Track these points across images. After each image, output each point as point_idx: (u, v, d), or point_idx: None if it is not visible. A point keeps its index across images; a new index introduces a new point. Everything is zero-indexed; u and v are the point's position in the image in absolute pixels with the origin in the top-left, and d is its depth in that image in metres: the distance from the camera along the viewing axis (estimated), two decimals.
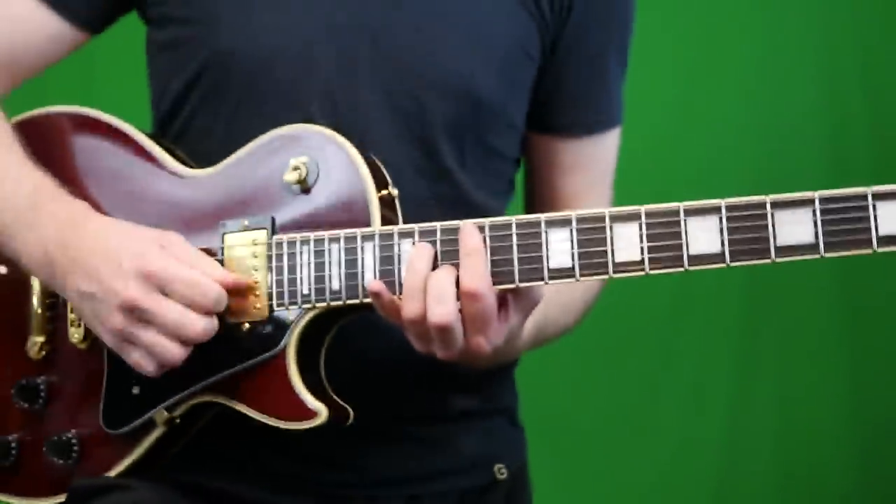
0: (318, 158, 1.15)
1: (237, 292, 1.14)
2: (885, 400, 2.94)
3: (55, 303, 1.22)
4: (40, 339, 1.22)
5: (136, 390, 1.17)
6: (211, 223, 1.17)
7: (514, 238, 1.08)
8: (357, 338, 1.22)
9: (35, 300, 1.23)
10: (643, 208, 1.05)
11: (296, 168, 1.14)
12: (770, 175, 2.88)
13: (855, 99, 2.95)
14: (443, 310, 1.05)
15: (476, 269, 1.05)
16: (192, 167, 1.22)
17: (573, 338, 2.85)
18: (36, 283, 1.23)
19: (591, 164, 1.38)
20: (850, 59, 2.96)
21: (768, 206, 1.02)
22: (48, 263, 1.15)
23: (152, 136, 1.25)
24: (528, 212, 1.39)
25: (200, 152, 1.24)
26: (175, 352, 1.10)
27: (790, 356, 2.95)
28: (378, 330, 1.22)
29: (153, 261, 1.09)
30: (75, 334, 1.20)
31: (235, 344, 1.14)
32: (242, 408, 1.14)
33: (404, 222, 1.14)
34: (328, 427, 1.13)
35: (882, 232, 0.99)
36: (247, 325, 1.14)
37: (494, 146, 1.30)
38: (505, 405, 1.40)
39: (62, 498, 1.20)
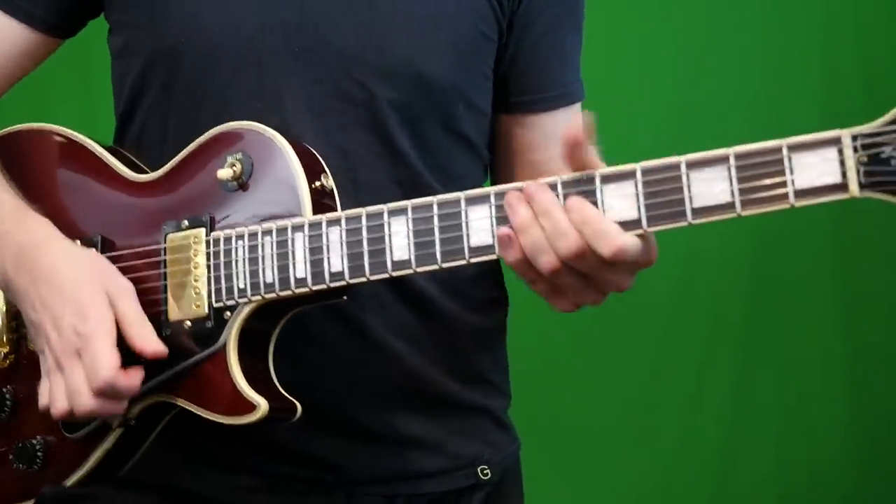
0: (252, 154, 1.15)
1: (179, 291, 1.15)
2: (884, 400, 2.96)
3: (18, 313, 1.25)
4: (3, 349, 1.25)
5: None
6: (154, 225, 1.19)
7: (436, 219, 1.07)
8: (336, 337, 1.23)
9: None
10: (558, 178, 1.03)
11: (231, 165, 1.16)
12: None
13: (855, 98, 2.93)
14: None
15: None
16: (145, 171, 1.24)
17: (573, 337, 2.91)
18: (0, 297, 1.26)
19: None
20: (851, 59, 2.96)
21: (683, 166, 0.98)
22: (5, 284, 1.20)
23: (105, 145, 1.28)
24: None
25: (157, 155, 1.25)
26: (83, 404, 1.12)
27: (790, 356, 2.96)
28: (358, 330, 1.23)
29: (88, 325, 1.12)
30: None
31: (179, 343, 1.15)
32: (188, 405, 1.15)
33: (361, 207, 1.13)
34: (270, 421, 1.12)
35: (798, 185, 0.95)
36: (188, 324, 1.15)
37: (458, 130, 1.28)
38: (489, 406, 1.36)
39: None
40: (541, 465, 2.77)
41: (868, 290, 3.00)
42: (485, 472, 1.30)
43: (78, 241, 1.21)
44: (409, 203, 1.08)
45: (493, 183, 1.36)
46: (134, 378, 1.12)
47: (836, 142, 0.94)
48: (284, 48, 1.22)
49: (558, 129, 1.31)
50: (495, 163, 1.37)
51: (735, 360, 2.98)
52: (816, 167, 0.94)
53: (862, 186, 0.93)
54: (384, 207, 1.09)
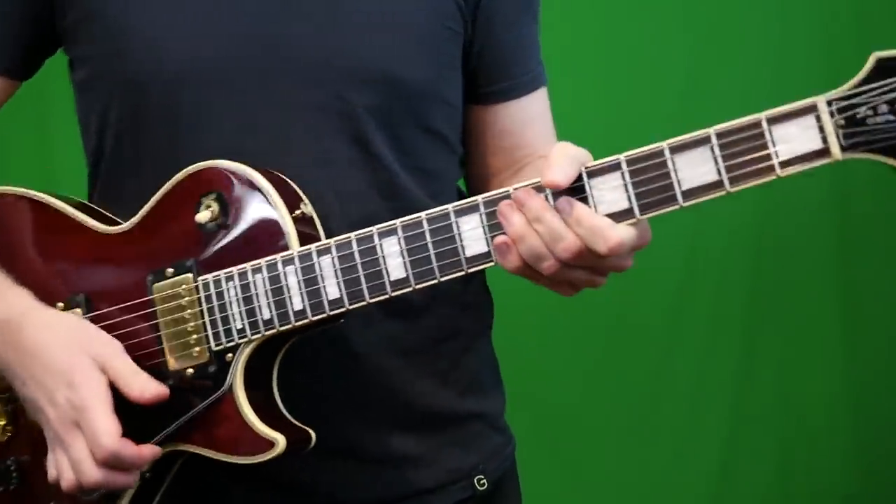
0: (227, 191, 1.14)
1: (175, 340, 1.15)
2: (886, 400, 2.95)
3: (10, 385, 1.22)
4: (1, 422, 1.23)
5: None
6: (137, 276, 1.17)
7: (428, 235, 1.07)
8: (321, 358, 1.22)
9: None
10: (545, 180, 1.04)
11: (207, 207, 1.14)
12: None
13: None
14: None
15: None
16: (117, 223, 1.22)
17: (573, 337, 2.90)
18: None
19: (534, 122, 1.37)
20: (853, 60, 2.87)
21: (667, 152, 1.00)
22: None
23: (70, 200, 1.25)
24: (469, 187, 1.38)
25: (135, 187, 1.22)
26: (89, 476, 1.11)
27: (792, 357, 2.95)
28: (343, 349, 1.23)
29: (80, 395, 1.11)
30: None
31: (184, 390, 1.15)
32: (205, 451, 1.15)
33: (347, 217, 1.16)
34: (287, 455, 1.13)
35: (782, 156, 0.97)
36: (190, 371, 1.15)
37: (433, 127, 1.28)
38: (484, 410, 1.35)
39: None
40: (541, 464, 2.75)
41: (870, 290, 2.98)
42: (481, 481, 1.31)
43: (60, 305, 1.20)
44: (397, 222, 1.08)
45: (468, 176, 1.37)
46: (138, 449, 1.11)
47: (812, 109, 0.96)
48: (253, 67, 1.20)
49: (528, 114, 1.35)
50: (469, 155, 1.37)
51: (736, 361, 2.96)
52: (797, 136, 0.97)
53: (843, 149, 0.96)
54: (373, 230, 1.09)
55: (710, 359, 2.92)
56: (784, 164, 0.97)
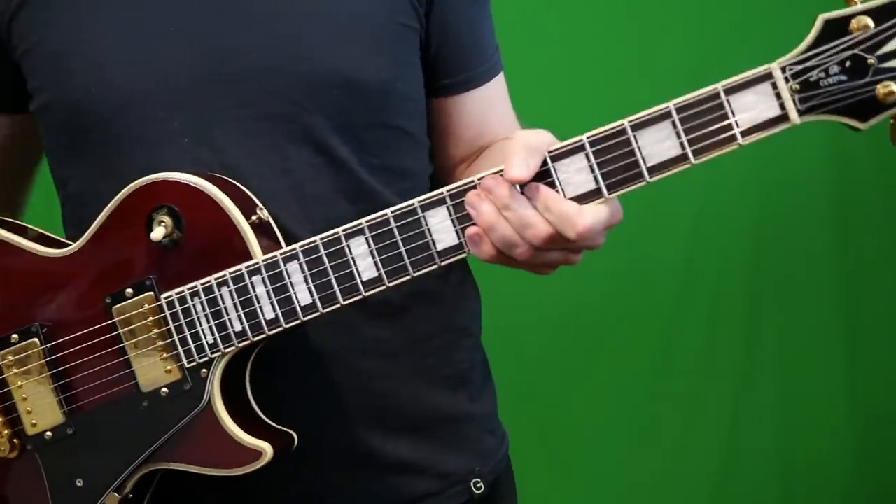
0: (178, 205, 1.11)
1: (145, 361, 1.13)
2: (885, 399, 2.95)
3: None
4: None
5: (79, 482, 1.16)
6: (94, 300, 1.14)
7: (396, 232, 1.07)
8: (301, 367, 1.21)
9: None
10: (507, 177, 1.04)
11: (160, 222, 1.11)
12: (774, 170, 2.81)
13: None
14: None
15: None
16: (61, 245, 1.18)
17: (573, 336, 2.86)
18: None
19: (494, 108, 1.35)
20: None
21: (628, 129, 1.01)
22: None
23: (9, 223, 1.21)
24: (433, 179, 1.35)
25: (96, 214, 1.17)
26: None
27: (791, 356, 2.94)
28: (325, 356, 1.22)
29: None
30: (1, 445, 1.17)
31: (161, 410, 1.13)
32: (189, 467, 1.14)
33: (311, 223, 1.14)
34: (277, 458, 1.13)
35: (743, 125, 0.99)
36: (165, 391, 1.13)
37: (395, 125, 1.25)
38: (475, 411, 1.35)
39: None
40: (540, 464, 2.80)
41: (869, 288, 2.96)
42: (478, 485, 1.31)
43: (15, 337, 1.16)
44: (363, 221, 1.07)
45: (437, 169, 1.35)
46: None
47: (768, 77, 0.98)
48: (203, 79, 1.16)
49: (488, 102, 1.34)
50: (436, 148, 1.34)
51: (736, 361, 2.94)
52: (756, 104, 0.99)
53: (801, 113, 0.98)
54: (339, 231, 1.08)
55: (710, 359, 2.91)
56: (745, 133, 0.99)
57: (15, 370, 1.16)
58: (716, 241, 2.87)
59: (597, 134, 1.02)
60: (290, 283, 1.09)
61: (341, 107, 1.19)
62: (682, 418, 2.90)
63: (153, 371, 1.13)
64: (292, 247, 1.09)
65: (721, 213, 2.83)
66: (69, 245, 1.17)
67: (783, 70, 0.98)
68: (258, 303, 1.10)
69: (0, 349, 1.17)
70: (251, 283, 1.10)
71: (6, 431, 1.17)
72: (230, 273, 1.10)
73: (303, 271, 1.08)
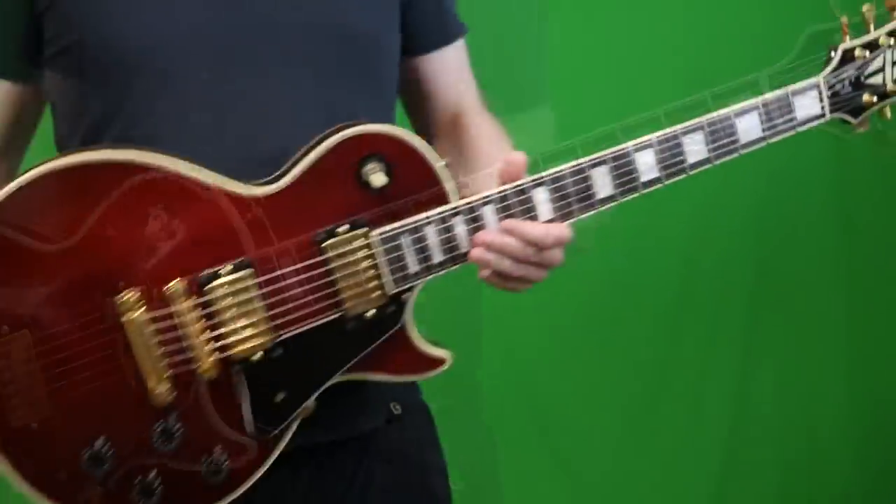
0: (386, 154, 1.30)
1: (355, 289, 1.30)
2: (885, 399, 3.02)
3: (171, 350, 1.27)
4: (163, 386, 1.26)
5: (279, 397, 1.30)
6: (303, 235, 1.29)
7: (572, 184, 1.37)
8: None
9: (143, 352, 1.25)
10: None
11: (374, 170, 1.29)
12: (775, 170, 2.81)
13: None
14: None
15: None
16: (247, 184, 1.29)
17: (573, 336, 2.83)
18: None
19: (459, 67, 1.61)
20: None
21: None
22: None
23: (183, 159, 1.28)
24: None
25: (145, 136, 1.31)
26: None
27: (792, 356, 2.99)
28: None
29: None
30: (206, 368, 1.27)
31: (363, 331, 1.32)
32: (380, 376, 1.35)
33: None
34: None
35: (799, 118, 1.45)
36: (371, 313, 1.32)
37: (383, 77, 1.47)
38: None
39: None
40: (541, 462, 2.79)
41: (869, 288, 2.99)
42: (396, 407, 1.50)
43: (230, 267, 1.26)
44: (551, 171, 1.35)
45: (414, 125, 1.60)
46: None
47: (815, 86, 1.45)
48: (232, 26, 1.34)
49: (456, 61, 1.61)
50: (410, 105, 1.59)
51: (736, 361, 2.92)
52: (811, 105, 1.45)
53: (832, 111, 1.47)
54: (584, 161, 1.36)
55: (710, 358, 2.93)
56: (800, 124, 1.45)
57: (230, 299, 1.26)
58: (716, 242, 2.90)
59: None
60: (485, 223, 1.34)
61: (342, 55, 1.40)
62: (683, 418, 2.91)
63: (361, 297, 1.31)
64: (488, 193, 1.33)
65: (721, 214, 2.87)
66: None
67: (826, 83, 1.45)
68: (456, 240, 1.33)
69: (216, 279, 1.26)
70: (453, 224, 1.33)
71: (216, 355, 1.27)
72: (436, 214, 1.32)
73: (496, 214, 1.34)
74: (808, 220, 2.93)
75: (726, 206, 2.86)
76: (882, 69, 1.49)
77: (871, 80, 1.49)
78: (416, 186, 1.32)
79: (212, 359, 1.27)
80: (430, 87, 1.59)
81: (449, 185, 1.33)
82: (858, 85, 1.48)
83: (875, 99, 1.48)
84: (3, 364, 1.21)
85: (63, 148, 1.40)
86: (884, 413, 3.01)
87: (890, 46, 1.48)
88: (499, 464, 2.81)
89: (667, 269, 2.87)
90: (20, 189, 1.21)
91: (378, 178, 1.29)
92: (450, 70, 1.59)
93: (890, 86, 1.49)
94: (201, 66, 1.33)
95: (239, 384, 1.29)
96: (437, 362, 1.37)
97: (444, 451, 1.59)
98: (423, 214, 1.32)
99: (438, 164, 1.32)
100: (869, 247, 2.97)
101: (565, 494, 2.82)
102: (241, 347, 1.27)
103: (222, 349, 1.27)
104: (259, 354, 1.28)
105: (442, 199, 1.33)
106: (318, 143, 1.29)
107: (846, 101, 1.48)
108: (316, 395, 1.32)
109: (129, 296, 1.23)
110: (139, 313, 1.24)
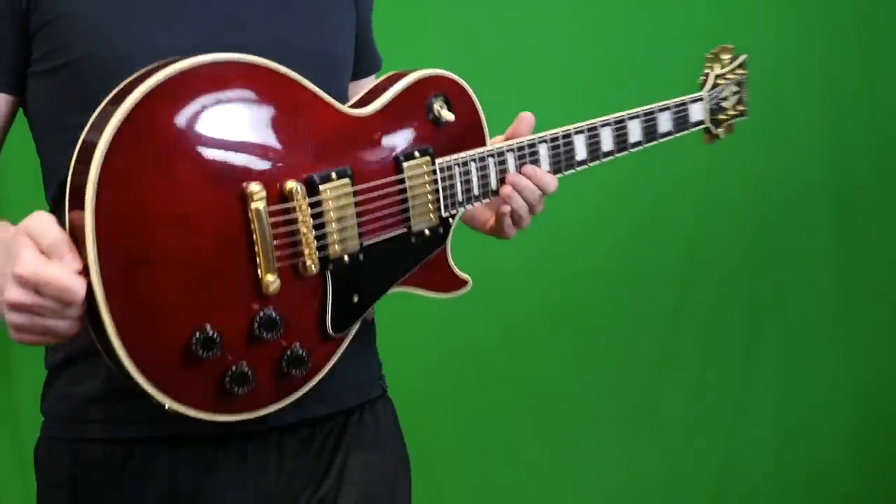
0: (450, 94, 1.52)
1: (419, 208, 1.49)
2: (885, 399, 3.08)
3: (284, 243, 1.36)
4: (273, 276, 1.34)
5: (355, 298, 1.44)
6: (386, 155, 1.46)
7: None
8: None
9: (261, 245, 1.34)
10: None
11: (441, 106, 1.51)
12: (775, 171, 2.91)
13: (857, 95, 3.04)
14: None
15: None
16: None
17: (573, 335, 2.85)
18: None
19: None
20: (852, 57, 3.04)
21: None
22: None
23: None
24: None
25: None
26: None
27: (791, 355, 3.04)
28: None
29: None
30: (310, 264, 1.38)
31: (420, 245, 1.51)
32: (421, 291, 1.53)
33: None
34: None
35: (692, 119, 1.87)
36: (427, 231, 1.51)
37: (342, 94, 1.62)
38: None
39: (288, 399, 1.41)
40: (541, 461, 2.75)
41: (869, 289, 3.02)
42: (384, 384, 1.70)
43: (334, 174, 1.39)
44: (591, 122, 1.65)
45: None
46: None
47: (700, 99, 1.88)
48: (227, 48, 1.36)
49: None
50: None
51: (736, 360, 2.91)
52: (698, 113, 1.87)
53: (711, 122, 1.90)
54: (570, 128, 1.64)
55: (710, 358, 2.95)
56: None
57: (332, 203, 1.39)
58: (716, 242, 2.95)
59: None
60: (507, 167, 1.59)
61: (316, 70, 1.49)
62: (683, 418, 2.96)
63: (423, 215, 1.50)
64: (520, 139, 1.59)
65: (722, 214, 2.94)
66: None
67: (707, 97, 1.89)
68: (487, 178, 1.57)
69: (323, 183, 1.38)
70: (487, 163, 1.57)
71: (318, 253, 1.38)
72: (477, 153, 1.55)
73: (516, 161, 1.60)
74: (808, 221, 3.01)
75: (726, 206, 2.95)
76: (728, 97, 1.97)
77: (724, 104, 1.96)
78: (466, 127, 1.55)
79: (316, 256, 1.39)
80: None
81: (486, 128, 1.58)
82: (717, 109, 1.94)
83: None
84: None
85: (49, 161, 1.47)
86: (884, 413, 3.05)
87: (725, 84, 1.97)
88: (499, 464, 2.82)
89: (667, 268, 2.94)
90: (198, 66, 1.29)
91: (447, 114, 1.51)
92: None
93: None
94: None
95: (326, 283, 1.41)
96: (464, 282, 1.58)
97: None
98: (471, 152, 1.55)
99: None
100: (868, 247, 3.05)
101: (565, 494, 2.86)
102: (338, 248, 1.41)
103: (322, 248, 1.40)
104: (347, 258, 1.42)
105: (481, 140, 1.57)
106: (394, 80, 1.49)
107: (717, 115, 1.93)
108: (377, 300, 1.48)
109: (257, 187, 1.33)
110: (264, 204, 1.33)
